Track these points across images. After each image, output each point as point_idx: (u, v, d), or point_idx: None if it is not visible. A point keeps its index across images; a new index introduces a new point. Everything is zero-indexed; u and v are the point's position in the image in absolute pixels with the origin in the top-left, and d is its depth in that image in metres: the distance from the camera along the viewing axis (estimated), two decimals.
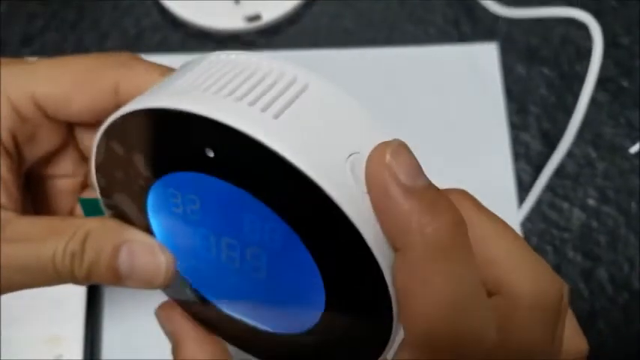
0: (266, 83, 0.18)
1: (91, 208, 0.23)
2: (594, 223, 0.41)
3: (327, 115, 0.18)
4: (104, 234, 0.21)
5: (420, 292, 0.16)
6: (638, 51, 0.45)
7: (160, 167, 0.20)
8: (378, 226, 0.17)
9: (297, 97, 0.18)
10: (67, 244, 0.21)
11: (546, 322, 0.18)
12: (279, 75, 0.19)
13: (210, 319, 0.23)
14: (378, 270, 0.17)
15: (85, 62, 0.24)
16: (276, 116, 0.17)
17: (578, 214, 0.41)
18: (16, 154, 0.25)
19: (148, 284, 0.21)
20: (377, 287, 0.17)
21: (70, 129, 0.27)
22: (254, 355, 0.23)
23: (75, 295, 0.35)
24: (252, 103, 0.17)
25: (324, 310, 0.19)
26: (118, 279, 0.21)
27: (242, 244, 0.20)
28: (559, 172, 0.42)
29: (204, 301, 0.23)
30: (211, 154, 0.18)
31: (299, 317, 0.20)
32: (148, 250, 0.21)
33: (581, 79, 0.38)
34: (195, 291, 0.23)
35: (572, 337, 0.21)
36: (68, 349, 0.34)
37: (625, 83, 0.44)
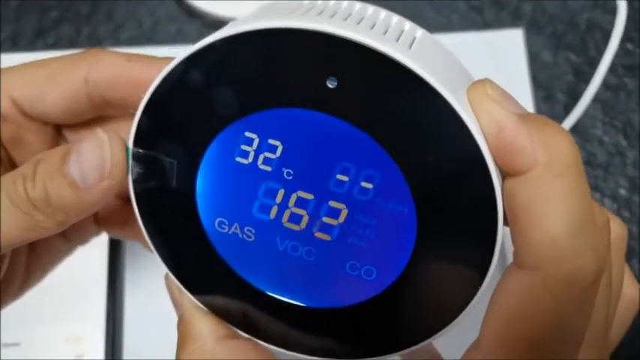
0: (384, 24, 0.18)
1: None
2: (626, 214, 0.40)
3: (440, 57, 0.18)
4: (55, 151, 0.21)
5: (543, 207, 0.16)
6: None
7: (252, 104, 0.18)
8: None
9: (414, 38, 0.18)
10: (17, 171, 0.21)
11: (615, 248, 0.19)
12: (388, 18, 0.18)
13: (248, 313, 0.21)
14: (492, 197, 0.16)
15: (57, 59, 0.25)
16: (409, 47, 0.17)
17: (609, 205, 0.40)
18: (4, 155, 0.24)
19: (101, 179, 0.20)
20: (485, 217, 0.17)
21: (58, 133, 0.26)
22: (301, 351, 0.20)
23: (96, 294, 0.35)
24: (384, 33, 0.17)
25: (408, 264, 0.18)
26: (75, 187, 0.20)
27: (320, 197, 0.18)
28: (590, 162, 0.40)
29: (242, 286, 0.20)
30: (333, 85, 0.17)
31: (366, 282, 0.18)
32: (96, 144, 0.20)
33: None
34: (227, 270, 0.20)
35: (629, 284, 0.22)
36: (89, 349, 0.33)
37: None
